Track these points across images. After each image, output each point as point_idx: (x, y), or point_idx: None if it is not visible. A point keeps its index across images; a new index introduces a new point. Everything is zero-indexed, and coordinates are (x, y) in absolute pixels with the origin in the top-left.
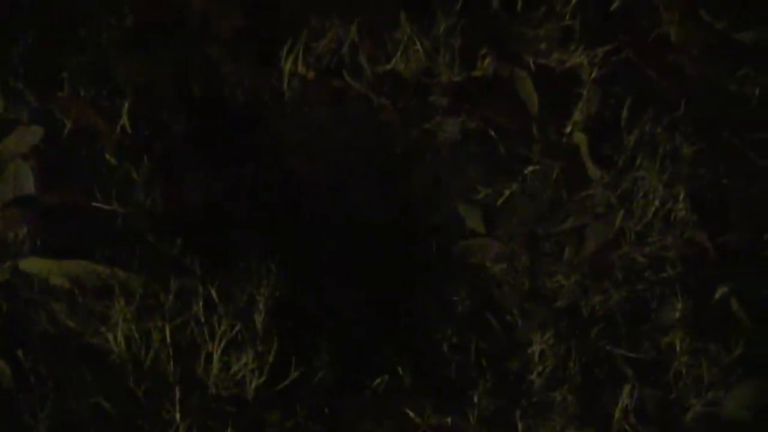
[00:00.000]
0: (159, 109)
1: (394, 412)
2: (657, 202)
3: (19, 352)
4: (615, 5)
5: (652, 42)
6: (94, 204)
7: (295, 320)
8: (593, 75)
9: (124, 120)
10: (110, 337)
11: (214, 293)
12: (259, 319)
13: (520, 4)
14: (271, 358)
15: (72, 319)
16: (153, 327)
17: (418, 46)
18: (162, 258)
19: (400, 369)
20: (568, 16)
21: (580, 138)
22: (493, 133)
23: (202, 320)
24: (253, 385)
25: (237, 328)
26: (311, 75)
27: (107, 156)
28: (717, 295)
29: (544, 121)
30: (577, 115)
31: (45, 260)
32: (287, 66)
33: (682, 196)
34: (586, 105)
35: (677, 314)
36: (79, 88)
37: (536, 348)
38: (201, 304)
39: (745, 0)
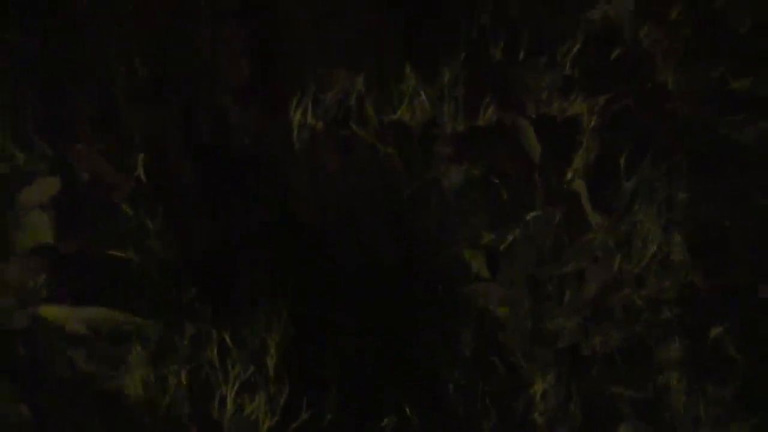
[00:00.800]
0: (171, 159)
1: None
2: (654, 246)
3: (39, 397)
4: (614, 54)
5: (650, 90)
6: (110, 252)
7: (305, 362)
8: (593, 123)
9: (140, 171)
10: (127, 381)
11: (227, 338)
12: (270, 362)
13: (522, 54)
14: (282, 400)
15: (89, 364)
16: (169, 371)
17: (423, 97)
18: (176, 304)
19: (407, 409)
20: (568, 66)
21: (580, 185)
22: (496, 181)
23: (216, 364)
24: (266, 426)
25: (250, 371)
26: (320, 126)
27: (123, 206)
28: (712, 335)
29: (545, 168)
30: (577, 162)
31: (63, 307)
32: (296, 117)
33: (678, 240)
34: (586, 152)
35: (675, 354)
36: (94, 139)
37: (539, 388)
38: (215, 348)
39: (740, 49)
